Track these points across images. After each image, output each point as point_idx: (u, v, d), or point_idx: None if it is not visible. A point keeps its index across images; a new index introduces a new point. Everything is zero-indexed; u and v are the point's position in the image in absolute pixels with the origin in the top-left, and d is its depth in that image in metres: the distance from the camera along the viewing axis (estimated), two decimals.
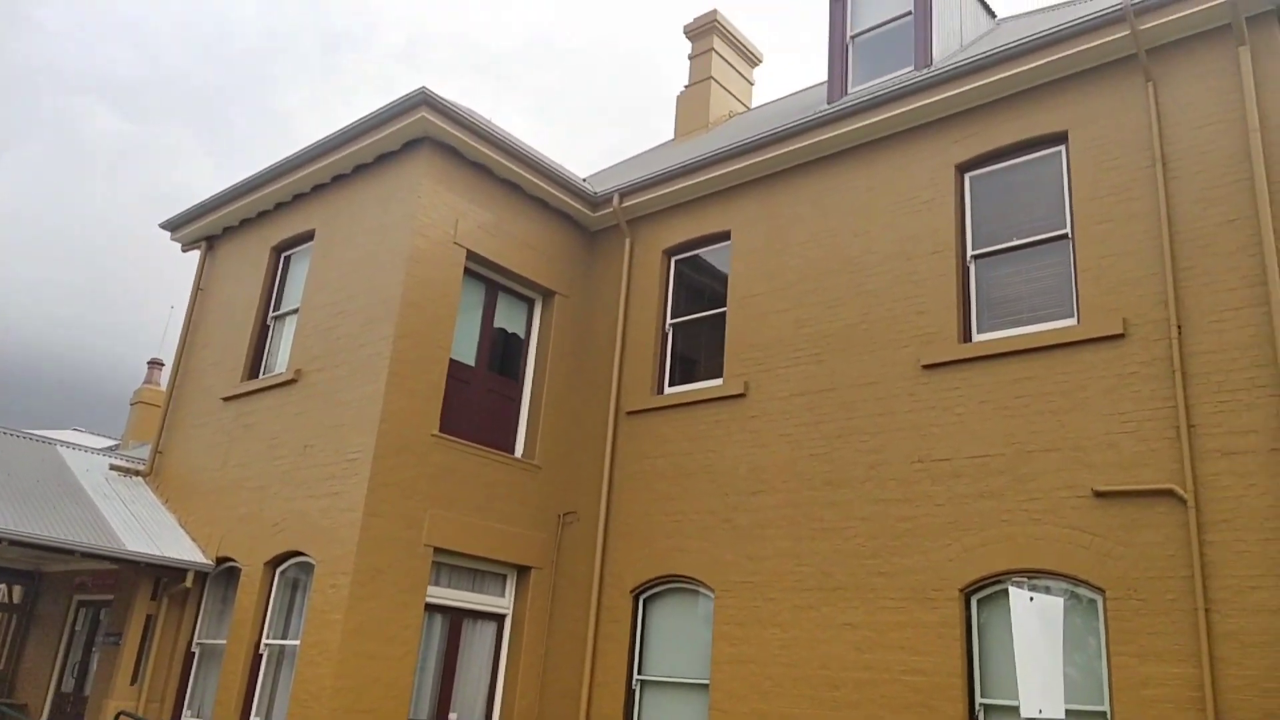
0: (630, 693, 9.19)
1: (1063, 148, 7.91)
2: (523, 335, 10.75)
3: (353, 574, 8.35)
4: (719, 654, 8.54)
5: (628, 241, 10.80)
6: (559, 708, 9.54)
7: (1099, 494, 6.84)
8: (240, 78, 58.88)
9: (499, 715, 9.54)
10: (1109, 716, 6.53)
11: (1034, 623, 5.68)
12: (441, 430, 9.35)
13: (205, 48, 57.87)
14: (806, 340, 8.94)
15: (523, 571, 9.97)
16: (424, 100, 9.28)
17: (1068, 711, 5.94)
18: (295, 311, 10.62)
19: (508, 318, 10.64)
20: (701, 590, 9.06)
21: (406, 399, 9.01)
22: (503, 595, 9.93)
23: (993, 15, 11.21)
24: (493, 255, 10.09)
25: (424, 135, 9.57)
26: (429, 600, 9.08)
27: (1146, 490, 6.64)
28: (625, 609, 9.46)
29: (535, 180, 10.37)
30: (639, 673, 9.25)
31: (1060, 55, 7.79)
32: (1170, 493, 6.54)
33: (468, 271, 10.06)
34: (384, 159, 9.99)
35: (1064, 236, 7.73)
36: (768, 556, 8.51)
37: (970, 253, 8.25)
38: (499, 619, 9.86)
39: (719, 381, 9.57)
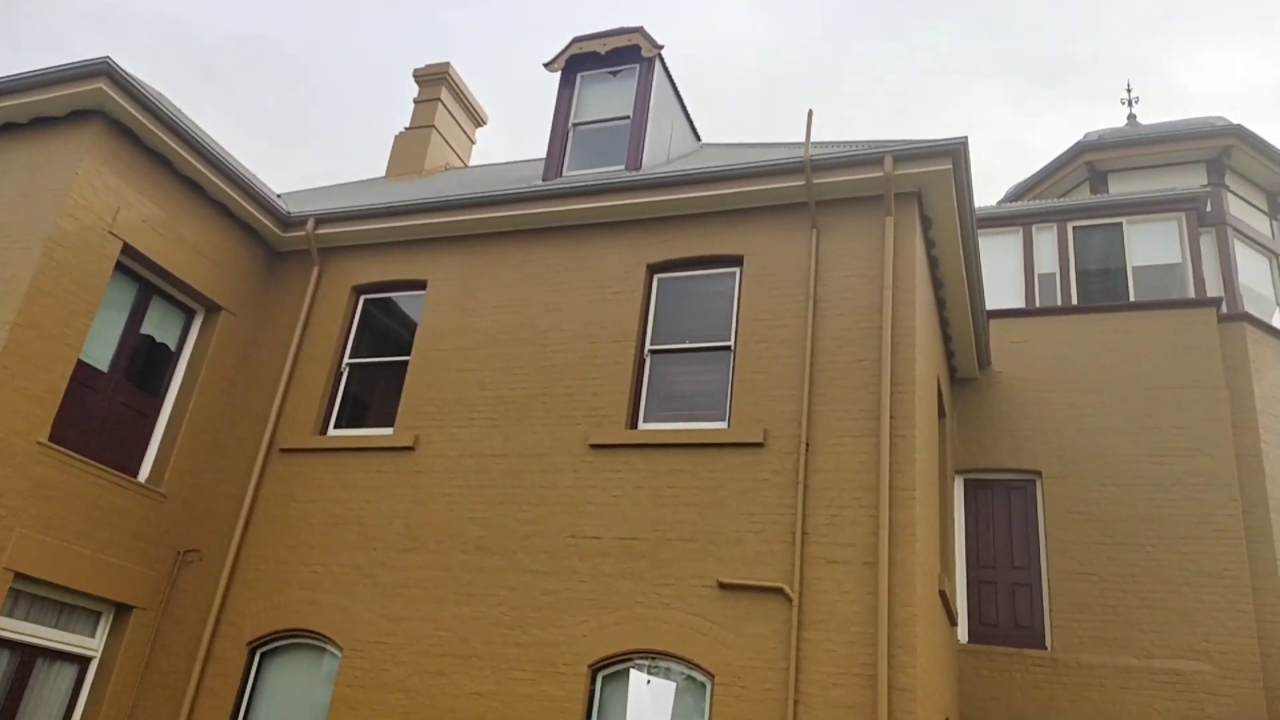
0: None
1: (738, 269, 8.79)
2: (174, 348, 9.71)
3: None
4: (335, 718, 8.05)
5: (316, 270, 10.26)
6: None
7: (723, 585, 7.45)
8: None
9: None
10: None
11: (648, 703, 6.02)
12: (52, 439, 8.11)
13: None
14: (485, 403, 8.96)
15: (122, 610, 8.79)
16: (105, 71, 8.28)
17: None
18: None
19: (159, 326, 9.57)
20: (329, 649, 8.53)
21: (12, 398, 7.73)
22: (92, 636, 8.66)
23: (698, 138, 12.32)
24: (154, 255, 9.08)
25: (97, 108, 8.51)
26: None
27: (761, 586, 7.35)
28: (237, 662, 8.64)
29: (220, 184, 9.56)
30: None
31: (747, 189, 8.71)
32: (780, 591, 7.30)
33: (120, 267, 8.97)
34: (41, 123, 8.72)
35: (728, 348, 8.52)
36: (407, 618, 8.24)
37: (648, 347, 8.81)
38: (83, 662, 8.56)
39: (389, 431, 9.27)
